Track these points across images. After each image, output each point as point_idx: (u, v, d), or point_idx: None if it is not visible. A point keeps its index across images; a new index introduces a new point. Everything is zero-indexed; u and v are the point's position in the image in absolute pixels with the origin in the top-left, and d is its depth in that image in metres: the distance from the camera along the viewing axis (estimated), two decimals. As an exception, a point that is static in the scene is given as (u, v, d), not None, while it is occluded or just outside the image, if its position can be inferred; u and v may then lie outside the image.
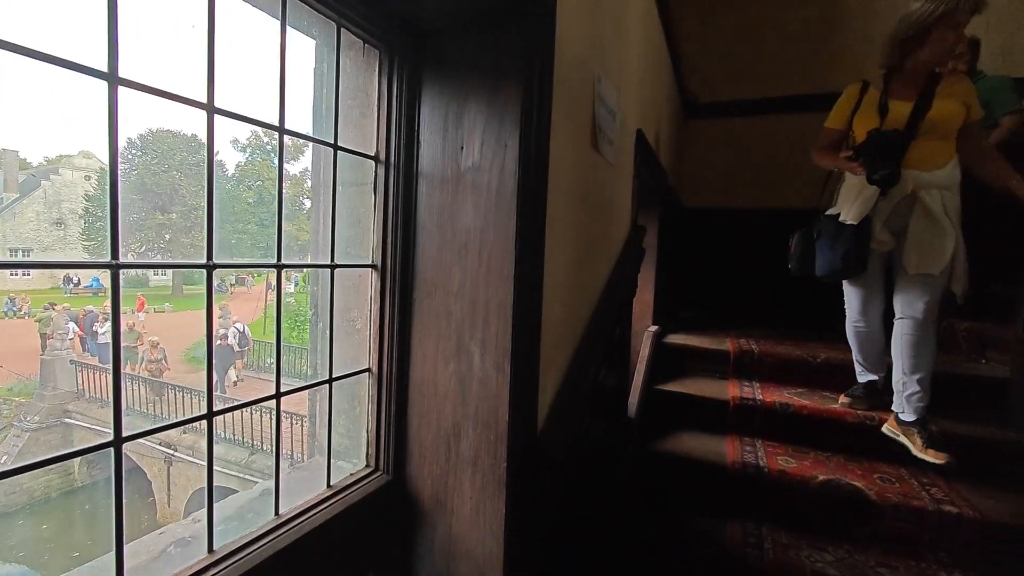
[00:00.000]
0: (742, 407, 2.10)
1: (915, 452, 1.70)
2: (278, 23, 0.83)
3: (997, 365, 2.12)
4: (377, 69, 1.04)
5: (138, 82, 0.64)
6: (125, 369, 9.09)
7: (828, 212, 1.86)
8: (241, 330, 9.60)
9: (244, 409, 7.44)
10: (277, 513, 0.91)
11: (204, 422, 0.77)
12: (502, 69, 0.94)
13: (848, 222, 1.73)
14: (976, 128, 1.67)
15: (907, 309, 1.73)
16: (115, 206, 0.62)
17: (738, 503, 1.77)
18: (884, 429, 1.84)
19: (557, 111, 1.09)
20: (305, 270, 1.11)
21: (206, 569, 0.76)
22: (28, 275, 20.11)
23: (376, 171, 1.06)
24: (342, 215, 1.08)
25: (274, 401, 0.91)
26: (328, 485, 1.02)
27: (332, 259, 1.00)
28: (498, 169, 0.96)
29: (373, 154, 1.06)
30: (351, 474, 1.08)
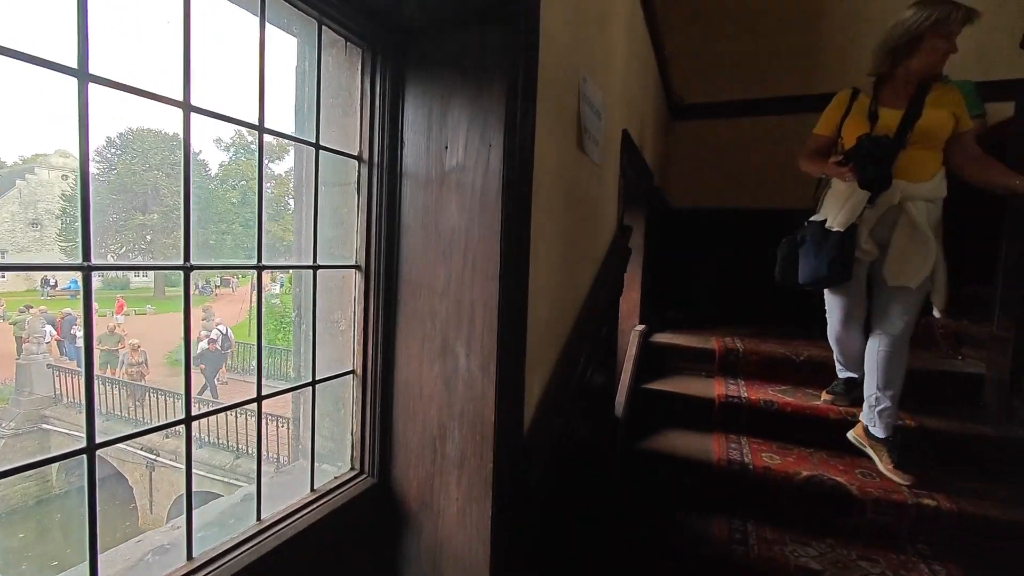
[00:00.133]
0: (728, 405, 2.12)
1: (882, 468, 1.73)
2: (257, 20, 0.81)
3: (973, 361, 2.17)
4: (360, 68, 1.03)
5: (110, 79, 0.62)
6: (105, 373, 8.88)
7: (813, 219, 1.83)
8: (224, 332, 9.44)
9: (228, 413, 7.32)
10: (259, 518, 0.89)
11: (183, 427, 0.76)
12: (486, 68, 0.94)
13: (835, 229, 1.70)
14: (968, 137, 1.64)
15: (885, 325, 1.72)
16: (86, 207, 0.60)
17: (724, 500, 1.79)
18: (850, 437, 1.86)
19: (542, 111, 1.09)
20: (290, 271, 1.09)
21: (185, 577, 0.74)
22: (3, 277, 19.58)
23: (359, 171, 1.05)
24: (325, 215, 1.07)
25: (255, 404, 0.89)
26: (312, 489, 1.01)
27: (314, 260, 0.99)
28: (483, 169, 0.95)
29: (356, 154, 1.05)
30: (335, 477, 1.06)
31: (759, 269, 2.52)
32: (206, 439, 7.45)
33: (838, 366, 2.05)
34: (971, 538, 1.52)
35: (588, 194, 1.59)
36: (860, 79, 1.81)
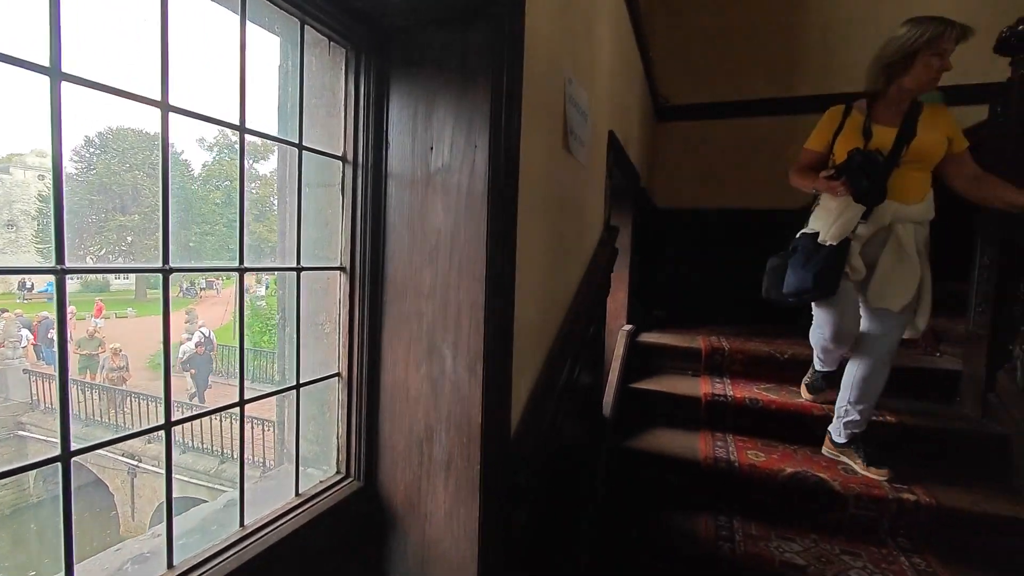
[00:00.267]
0: (714, 403, 2.14)
1: (859, 470, 1.76)
2: (238, 18, 0.80)
3: (951, 358, 2.22)
4: (344, 67, 1.02)
5: (84, 78, 0.61)
6: (85, 378, 8.67)
7: (805, 231, 1.78)
8: (206, 334, 9.28)
9: (213, 417, 7.20)
10: (242, 524, 0.88)
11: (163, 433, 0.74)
12: (471, 69, 0.93)
13: (828, 243, 1.66)
14: (966, 156, 1.62)
15: (866, 346, 1.73)
16: (60, 208, 0.58)
17: (711, 498, 1.81)
18: (824, 451, 1.90)
19: (528, 112, 1.09)
20: (274, 273, 1.08)
21: (165, 586, 0.73)
22: (-23, 280, 19.01)
23: (344, 172, 1.04)
24: (309, 216, 1.05)
25: (238, 409, 0.88)
26: (296, 493, 0.99)
27: (298, 262, 0.98)
28: (468, 170, 0.95)
29: (340, 154, 1.04)
30: (321, 481, 1.05)
31: (744, 268, 2.55)
32: (190, 444, 7.32)
33: (817, 362, 2.06)
34: (949, 531, 1.56)
35: (575, 195, 1.60)
36: (837, 83, 1.84)
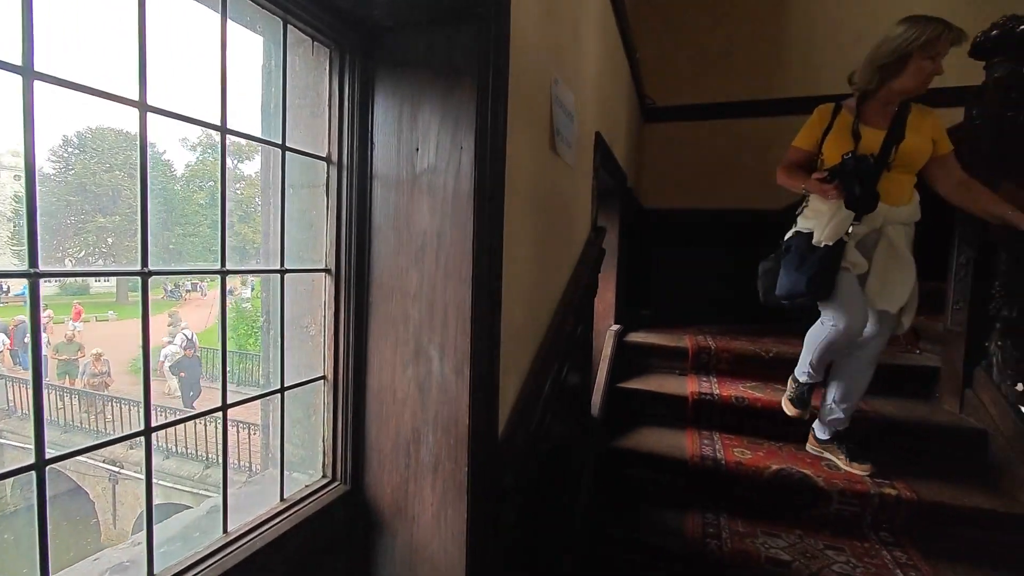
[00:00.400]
0: (700, 402, 2.16)
1: (841, 465, 1.79)
2: (219, 17, 0.79)
3: (930, 355, 2.27)
4: (328, 67, 1.01)
5: (58, 77, 0.59)
6: (64, 383, 8.47)
7: (799, 229, 1.73)
8: (189, 337, 9.12)
9: (197, 422, 7.09)
10: (226, 531, 0.86)
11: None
12: (456, 69, 0.93)
13: (824, 243, 1.62)
14: (952, 159, 1.63)
15: (857, 348, 1.73)
16: (33, 210, 0.57)
17: (698, 495, 1.83)
18: (808, 448, 1.93)
19: (514, 113, 1.09)
20: (259, 275, 1.07)
21: (146, 595, 0.71)
22: (-50, 284, 18.47)
23: (328, 172, 1.03)
24: (293, 218, 1.04)
25: (220, 413, 0.87)
26: (282, 498, 0.98)
27: (282, 264, 0.97)
28: (454, 171, 0.95)
29: (325, 155, 1.03)
30: (306, 486, 1.04)
31: (730, 268, 2.59)
32: (174, 449, 7.19)
33: (804, 373, 1.86)
34: (929, 524, 1.59)
35: (562, 195, 1.60)
36: (818, 86, 1.86)
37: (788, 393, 1.93)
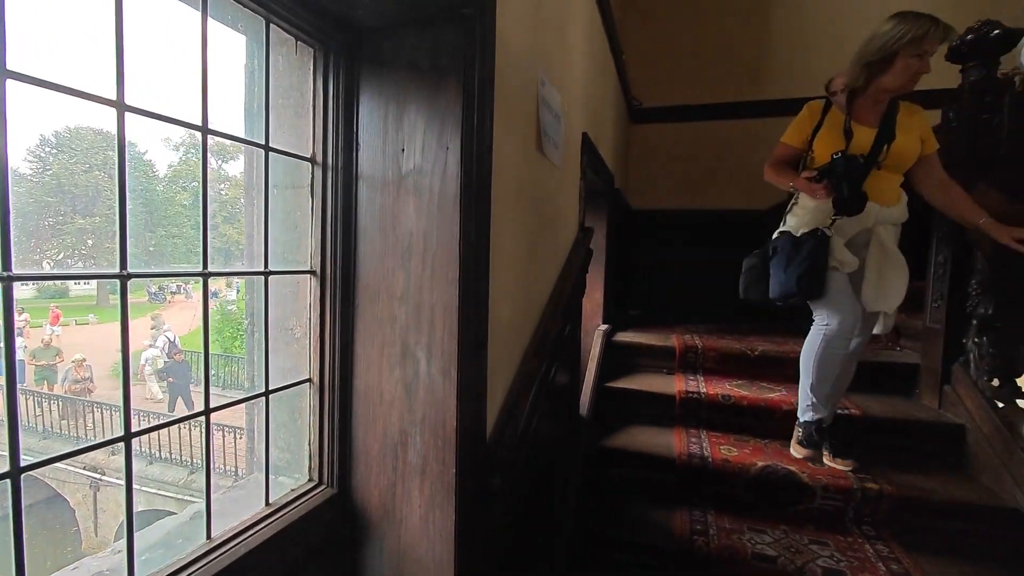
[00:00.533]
0: (687, 400, 2.18)
1: (826, 462, 1.80)
2: (199, 15, 0.78)
3: (910, 352, 2.32)
4: (312, 67, 1.00)
5: (32, 76, 0.58)
6: (43, 389, 8.26)
7: (782, 230, 1.74)
8: (171, 339, 8.96)
9: (182, 426, 6.97)
10: (209, 537, 0.85)
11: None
12: (442, 70, 0.93)
13: (801, 232, 1.62)
14: (935, 159, 1.62)
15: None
16: (5, 211, 0.56)
17: (685, 493, 1.84)
18: (792, 452, 1.91)
19: (500, 114, 1.09)
20: (243, 277, 1.05)
21: (126, 604, 0.70)
22: (-78, 287, 17.89)
23: (313, 173, 1.02)
24: (278, 219, 1.03)
25: (203, 418, 0.85)
26: (267, 503, 0.97)
27: (266, 265, 0.96)
28: (440, 172, 0.95)
29: (309, 156, 1.02)
30: (292, 490, 1.03)
31: (716, 267, 2.61)
32: (157, 454, 7.07)
33: (806, 400, 1.78)
34: (909, 517, 1.63)
35: (549, 196, 1.61)
36: (801, 88, 1.87)
37: (796, 435, 1.84)
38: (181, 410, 8.11)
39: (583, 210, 2.13)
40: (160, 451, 7.04)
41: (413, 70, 0.95)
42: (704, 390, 2.22)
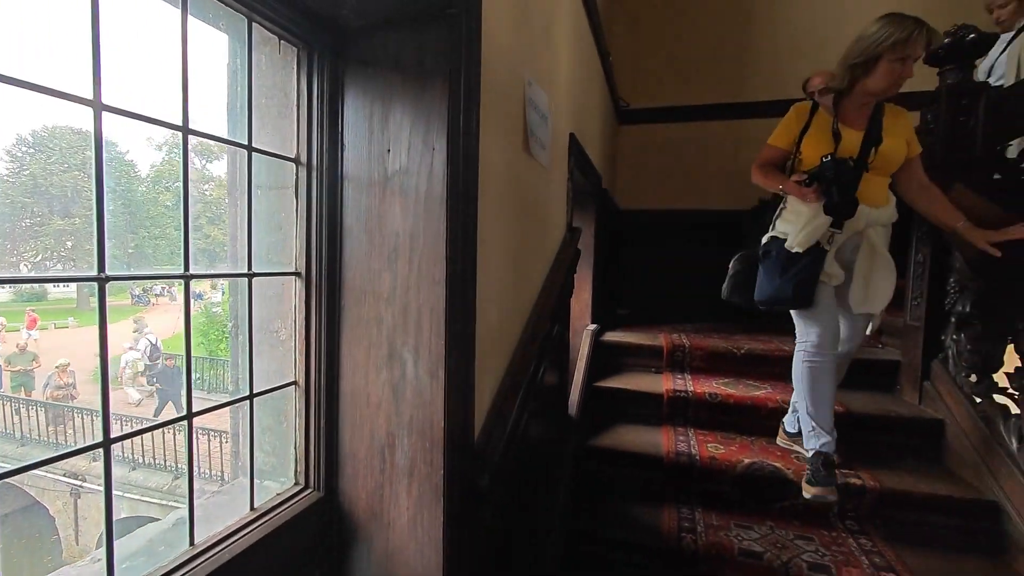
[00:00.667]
0: (675, 399, 2.20)
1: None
2: (179, 12, 0.76)
3: (891, 349, 2.36)
4: (296, 67, 0.99)
5: (5, 75, 0.56)
6: (20, 395, 8.05)
7: (774, 234, 1.70)
8: (153, 342, 8.79)
9: (165, 431, 6.85)
10: (192, 543, 0.84)
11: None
12: (427, 70, 0.93)
13: (795, 249, 1.59)
14: (917, 162, 1.62)
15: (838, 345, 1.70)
16: (-23, 213, 0.54)
17: (673, 491, 1.86)
18: (778, 441, 1.97)
19: (487, 115, 1.09)
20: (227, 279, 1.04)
21: (106, 614, 0.68)
22: None
23: (297, 174, 1.01)
24: (262, 220, 1.02)
25: (186, 422, 0.84)
26: (252, 508, 0.96)
27: (249, 267, 0.94)
28: (426, 173, 0.94)
29: (293, 156, 1.01)
30: (278, 494, 1.02)
31: (703, 267, 2.64)
32: (141, 460, 6.94)
33: (809, 429, 1.69)
34: (891, 511, 1.66)
35: (536, 196, 1.61)
36: (784, 90, 1.89)
37: (806, 475, 1.66)
38: (170, 415, 7.97)
39: (571, 210, 2.14)
40: (144, 456, 6.91)
41: (398, 70, 0.95)
42: (691, 389, 2.24)
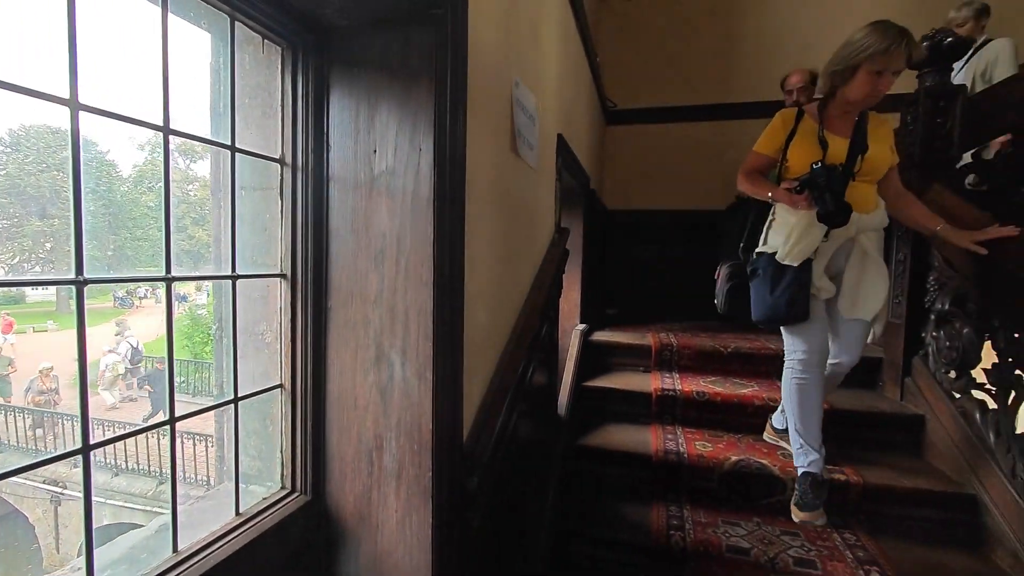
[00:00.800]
0: (663, 398, 2.22)
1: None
2: (159, 11, 0.75)
3: (874, 346, 2.40)
4: (280, 66, 0.98)
5: (-24, 71, 0.55)
6: (-2, 401, 7.86)
7: (762, 249, 1.65)
8: (134, 345, 8.65)
9: (149, 436, 6.73)
10: (176, 550, 0.82)
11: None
12: (414, 70, 0.92)
13: (787, 262, 1.56)
14: (895, 171, 1.63)
15: (835, 357, 1.71)
16: (-52, 215, 0.53)
17: (662, 489, 1.88)
18: (765, 437, 2.00)
19: (474, 115, 1.09)
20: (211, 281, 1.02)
21: (86, 624, 0.67)
22: None
23: (282, 174, 1.00)
24: (246, 221, 1.01)
25: (169, 427, 0.82)
26: (237, 512, 0.94)
27: (233, 269, 0.93)
28: (413, 173, 0.94)
29: (278, 157, 0.99)
30: (264, 498, 1.01)
31: (690, 266, 2.67)
32: (124, 466, 6.81)
33: (797, 447, 1.68)
34: (874, 505, 1.69)
35: (524, 197, 1.61)
36: (770, 92, 1.91)
37: (795, 496, 1.69)
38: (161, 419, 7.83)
39: (559, 211, 2.15)
40: (127, 462, 6.79)
41: (384, 70, 0.94)
42: (680, 387, 2.26)
